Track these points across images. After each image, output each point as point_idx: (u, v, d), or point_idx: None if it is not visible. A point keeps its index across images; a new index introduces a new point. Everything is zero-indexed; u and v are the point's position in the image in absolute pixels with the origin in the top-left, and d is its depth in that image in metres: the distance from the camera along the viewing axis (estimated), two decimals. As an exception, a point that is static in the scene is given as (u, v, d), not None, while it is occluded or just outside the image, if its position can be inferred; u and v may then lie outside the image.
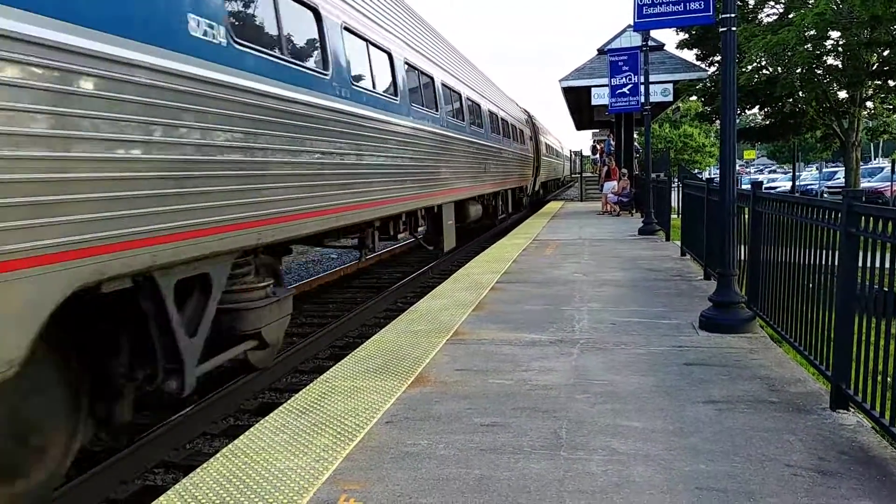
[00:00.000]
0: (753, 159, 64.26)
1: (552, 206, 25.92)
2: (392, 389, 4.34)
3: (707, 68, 23.59)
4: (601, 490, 2.89)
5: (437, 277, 12.30)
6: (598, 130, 43.44)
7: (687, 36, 24.71)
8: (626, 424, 3.64)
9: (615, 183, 20.55)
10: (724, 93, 5.60)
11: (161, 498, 2.93)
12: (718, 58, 23.30)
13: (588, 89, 20.92)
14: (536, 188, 28.29)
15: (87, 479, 4.19)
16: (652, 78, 15.19)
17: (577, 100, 24.23)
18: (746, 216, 6.25)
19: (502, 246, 12.55)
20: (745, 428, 3.57)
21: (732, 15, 5.48)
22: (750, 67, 20.50)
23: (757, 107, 24.87)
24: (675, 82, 20.20)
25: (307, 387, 4.50)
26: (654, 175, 15.13)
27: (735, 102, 5.66)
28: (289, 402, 4.18)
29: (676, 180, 14.31)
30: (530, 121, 27.02)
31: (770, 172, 60.88)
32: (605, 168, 23.28)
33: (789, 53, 18.72)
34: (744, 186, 6.26)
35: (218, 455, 3.39)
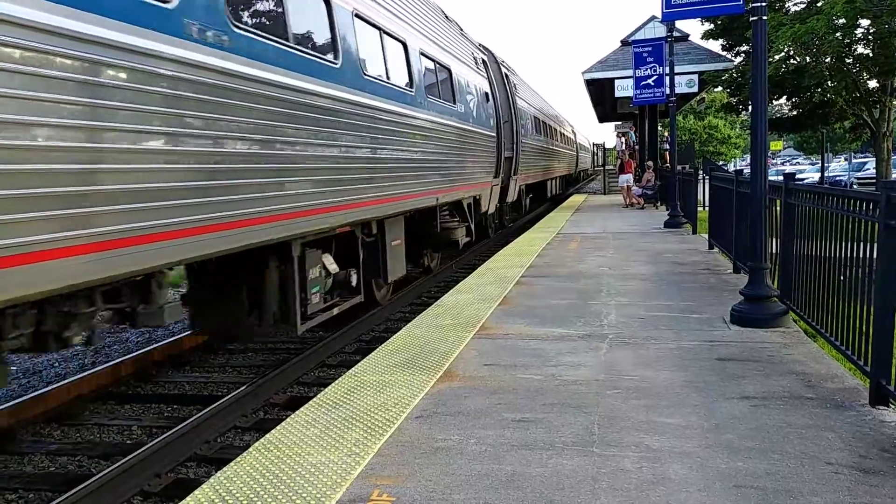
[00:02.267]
0: (780, 150, 63.36)
1: (575, 199, 25.78)
2: (421, 384, 4.33)
3: (733, 58, 23.24)
4: (636, 487, 2.86)
5: (460, 272, 12.27)
6: (620, 123, 43.07)
7: (712, 26, 24.31)
8: (659, 420, 3.59)
9: (630, 176, 20.37)
10: (755, 83, 5.50)
11: (196, 492, 2.95)
12: (745, 48, 23.00)
13: (611, 81, 20.71)
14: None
15: (122, 472, 4.23)
16: (677, 69, 14.99)
17: (599, 92, 24.02)
18: (778, 208, 6.15)
19: (526, 240, 12.49)
20: (782, 425, 3.51)
21: (763, 4, 5.38)
22: (777, 57, 20.14)
23: (784, 97, 24.44)
24: (700, 73, 19.93)
25: (336, 381, 4.50)
26: (679, 167, 14.96)
27: (766, 93, 5.57)
28: (319, 396, 4.19)
29: (702, 172, 14.15)
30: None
31: (796, 163, 60.04)
32: (620, 161, 23.12)
33: (818, 42, 18.36)
34: (772, 178, 6.16)
35: (250, 449, 3.41)
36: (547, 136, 22.43)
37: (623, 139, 27.84)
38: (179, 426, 4.94)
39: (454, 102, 9.98)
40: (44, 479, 4.57)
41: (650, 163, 19.80)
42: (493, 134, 12.50)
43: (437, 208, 9.36)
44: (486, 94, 12.47)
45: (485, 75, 12.85)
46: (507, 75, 15.61)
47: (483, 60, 13.26)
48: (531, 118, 18.92)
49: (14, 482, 4.51)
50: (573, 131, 37.77)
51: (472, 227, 11.40)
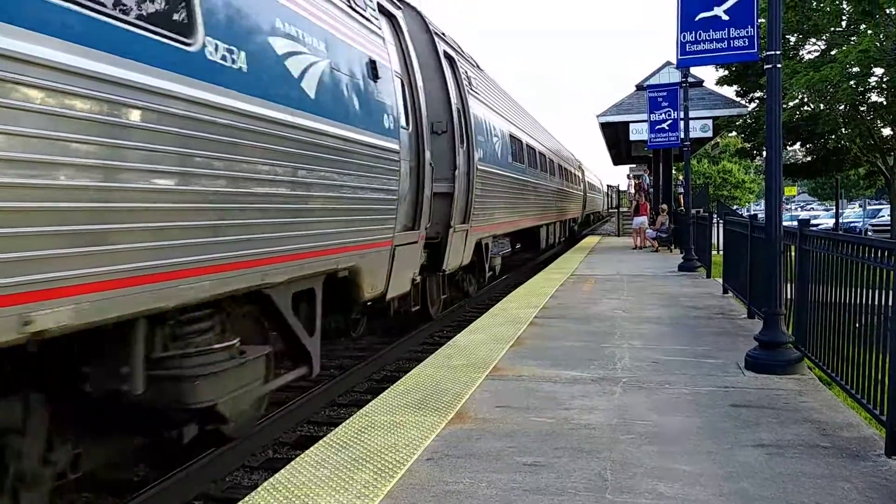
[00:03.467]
0: (794, 196, 63.26)
1: (589, 240, 25.79)
2: (432, 425, 4.30)
3: (747, 104, 23.41)
4: (649, 535, 2.81)
5: (473, 312, 12.25)
6: (634, 165, 43.23)
7: (727, 72, 24.59)
8: (673, 467, 3.55)
9: (645, 218, 20.39)
10: (770, 129, 5.54)
11: (204, 531, 2.93)
12: (759, 94, 23.16)
13: (626, 125, 20.91)
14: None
15: (129, 510, 4.21)
16: (691, 114, 15.13)
17: (614, 135, 24.22)
18: (793, 254, 6.13)
19: (539, 281, 12.49)
20: (798, 473, 3.45)
21: (778, 52, 5.44)
22: (792, 104, 20.29)
23: (798, 143, 24.56)
24: (714, 118, 20.08)
25: (347, 421, 4.49)
26: (693, 210, 14.97)
27: (781, 139, 5.60)
28: (329, 436, 4.17)
29: (716, 216, 14.14)
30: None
31: (810, 209, 59.87)
32: (635, 203, 23.15)
33: (832, 90, 18.50)
34: (786, 223, 6.16)
35: (259, 489, 3.39)
36: (537, 167, 16.98)
37: (635, 181, 27.75)
38: (188, 464, 4.92)
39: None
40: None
41: (664, 206, 19.83)
42: (395, 146, 6.71)
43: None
44: (375, 67, 6.33)
45: (380, 35, 6.84)
46: (447, 55, 9.69)
47: (383, 10, 7.29)
48: (504, 136, 12.83)
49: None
50: (581, 167, 31.95)
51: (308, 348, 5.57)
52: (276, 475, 3.56)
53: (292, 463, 3.73)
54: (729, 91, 24.72)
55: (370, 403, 4.89)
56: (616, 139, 25.39)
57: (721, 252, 12.07)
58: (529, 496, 3.23)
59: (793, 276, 6.10)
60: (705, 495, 3.20)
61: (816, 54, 21.82)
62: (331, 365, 8.42)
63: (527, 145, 15.65)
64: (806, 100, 20.57)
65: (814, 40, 22.21)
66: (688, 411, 4.50)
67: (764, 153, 26.96)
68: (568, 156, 27.54)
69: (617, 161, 38.01)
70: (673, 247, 18.93)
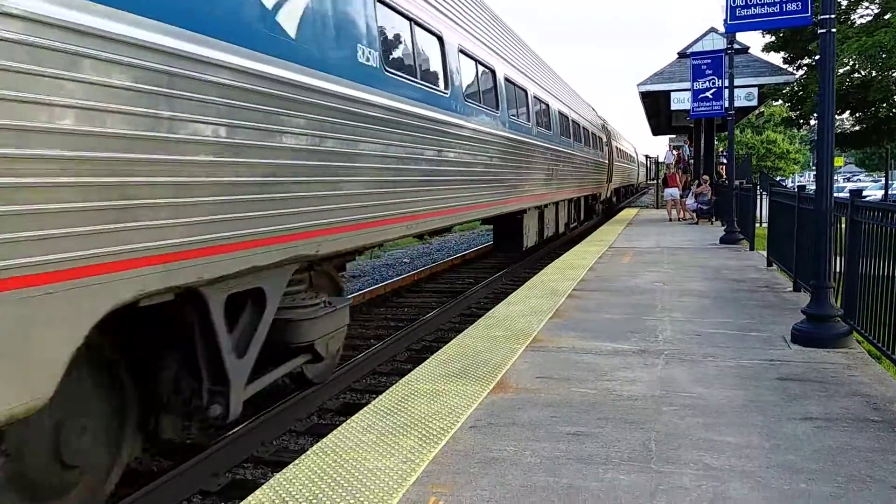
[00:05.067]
0: (840, 167, 61.45)
1: (626, 213, 25.47)
2: (474, 394, 4.34)
3: (794, 72, 22.71)
4: (696, 505, 2.82)
5: (510, 284, 12.25)
6: (674, 136, 42.37)
7: (773, 38, 23.86)
8: (718, 439, 3.53)
9: (675, 189, 20.03)
10: (822, 96, 5.38)
11: (257, 492, 3.02)
12: (807, 61, 22.46)
13: (667, 94, 20.43)
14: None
15: (182, 473, 4.35)
16: (736, 82, 14.71)
17: (654, 104, 23.72)
18: (843, 226, 5.99)
19: (577, 253, 12.40)
20: (847, 447, 3.41)
21: (832, 15, 5.27)
22: (842, 71, 19.63)
23: (848, 112, 23.78)
24: (760, 86, 19.52)
25: (390, 389, 4.55)
26: (736, 182, 14.66)
27: (833, 106, 5.43)
28: (374, 403, 4.24)
29: (759, 188, 13.84)
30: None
31: (857, 180, 58.13)
32: (664, 175, 22.73)
33: (885, 56, 17.83)
34: (837, 195, 5.99)
35: (308, 452, 3.47)
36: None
37: (675, 152, 26.47)
38: (237, 428, 5.05)
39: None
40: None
41: (706, 177, 19.45)
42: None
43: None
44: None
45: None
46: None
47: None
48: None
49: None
50: (605, 128, 25.57)
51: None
52: (325, 439, 3.64)
53: (339, 428, 3.81)
54: (775, 58, 24.02)
55: (412, 372, 4.94)
56: (656, 109, 24.85)
57: (764, 224, 11.84)
58: (574, 465, 3.25)
59: (842, 248, 5.96)
60: (752, 467, 3.18)
61: (869, 19, 21.03)
62: (369, 335, 8.53)
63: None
64: (857, 66, 19.86)
65: (867, 4, 21.40)
66: (732, 384, 4.46)
67: (810, 122, 26.23)
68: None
69: (656, 131, 37.29)
70: (714, 219, 18.60)
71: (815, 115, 22.90)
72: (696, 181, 20.11)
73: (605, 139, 24.04)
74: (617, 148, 29.27)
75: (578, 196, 18.30)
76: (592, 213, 21.97)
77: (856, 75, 20.34)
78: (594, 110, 24.21)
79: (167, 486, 4.21)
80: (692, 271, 9.62)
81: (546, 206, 13.83)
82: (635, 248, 12.74)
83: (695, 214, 18.84)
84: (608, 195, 25.41)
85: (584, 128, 18.80)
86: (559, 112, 15.01)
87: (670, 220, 19.68)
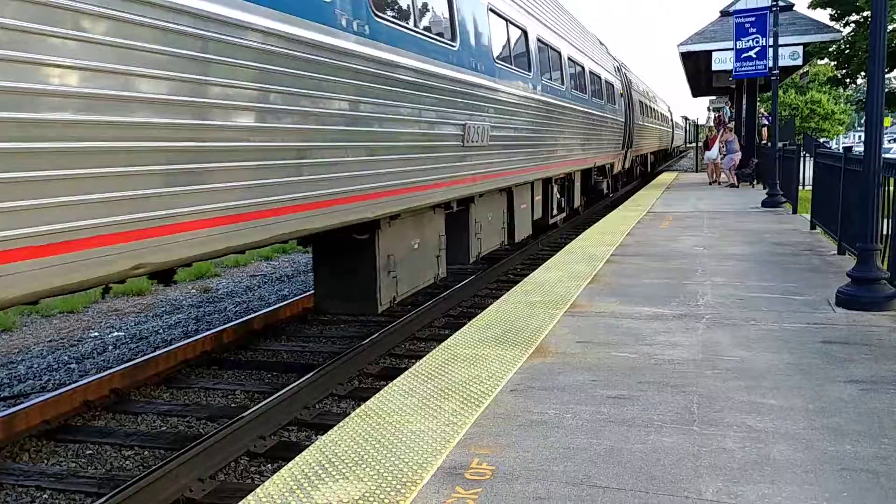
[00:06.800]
0: (888, 127, 59.41)
1: (664, 177, 25.08)
2: (514, 359, 4.37)
3: (841, 29, 21.88)
4: (740, 467, 2.81)
5: (546, 250, 12.21)
6: (714, 98, 41.31)
7: (820, -6, 22.97)
8: (761, 402, 3.51)
9: (715, 151, 19.57)
10: (873, 52, 5.19)
11: (304, 453, 3.10)
12: (854, 17, 21.61)
13: (708, 54, 19.88)
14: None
15: (229, 434, 4.48)
16: (781, 40, 14.26)
17: (695, 65, 23.13)
18: (891, 187, 5.83)
19: (613, 218, 12.28)
20: (893, 409, 3.36)
21: (884, -32, 5.05)
22: (892, 27, 18.85)
23: (896, 70, 22.89)
24: (805, 45, 18.89)
25: (430, 353, 4.60)
26: (780, 144, 14.31)
27: (884, 63, 5.24)
28: (414, 367, 4.30)
29: (803, 150, 13.49)
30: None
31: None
32: (706, 137, 22.22)
33: (938, 10, 17.06)
34: (886, 156, 5.82)
35: (352, 415, 3.55)
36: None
37: (716, 114, 25.39)
38: (280, 392, 5.18)
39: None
40: (156, 437, 4.90)
41: (730, 125, 18.94)
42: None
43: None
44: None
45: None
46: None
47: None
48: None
49: (130, 440, 4.85)
50: (621, 69, 19.66)
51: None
52: (367, 402, 3.71)
53: (381, 391, 3.87)
54: (821, 15, 23.18)
55: (451, 337, 4.99)
56: (697, 70, 24.25)
57: (807, 187, 11.56)
58: (616, 427, 3.27)
59: (889, 210, 5.81)
60: (796, 429, 3.16)
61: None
62: (407, 301, 8.60)
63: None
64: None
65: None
66: (775, 347, 4.41)
67: (857, 81, 25.31)
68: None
69: (696, 93, 36.41)
70: (755, 182, 18.22)
71: (862, 73, 22.16)
72: (720, 129, 19.60)
73: (620, 88, 17.72)
74: (641, 103, 23.23)
75: (561, 173, 11.72)
76: (597, 193, 15.98)
77: (906, 31, 19.52)
78: (603, 46, 17.88)
79: (215, 448, 4.34)
80: (733, 235, 9.47)
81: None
82: (674, 213, 12.57)
83: (734, 176, 18.44)
84: (623, 167, 19.01)
85: (568, 58, 11.82)
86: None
87: (710, 183, 19.32)
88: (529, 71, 9.33)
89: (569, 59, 11.96)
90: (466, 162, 6.87)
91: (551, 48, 10.77)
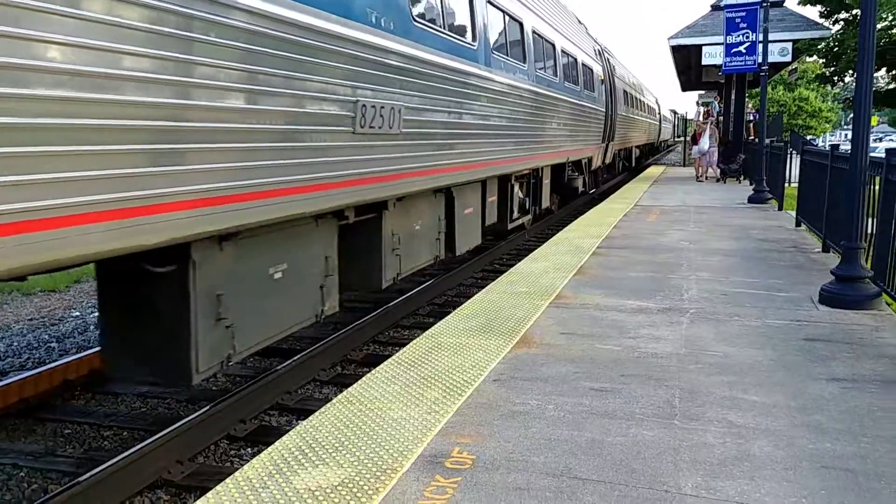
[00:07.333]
0: (874, 126, 59.88)
1: (652, 170, 25.15)
2: (497, 349, 4.36)
3: (831, 27, 21.96)
4: (720, 462, 2.82)
5: (533, 241, 12.21)
6: (704, 92, 41.33)
7: (810, -9, 23.03)
8: (742, 397, 3.52)
9: (704, 145, 19.62)
10: (862, 50, 5.20)
11: (284, 438, 3.08)
12: (843, 15, 21.70)
13: (699, 48, 19.85)
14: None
15: (209, 417, 4.45)
16: (771, 36, 14.28)
17: (685, 59, 23.11)
18: (877, 186, 5.85)
19: (601, 211, 12.30)
20: (873, 408, 3.38)
21: (877, -34, 5.05)
22: (880, 26, 18.96)
23: (884, 69, 23.06)
24: (795, 41, 18.92)
25: (414, 341, 4.58)
26: (767, 140, 14.36)
27: (873, 61, 5.25)
28: (397, 355, 4.28)
29: (790, 147, 13.56)
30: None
31: (889, 140, 56.65)
32: (694, 132, 22.26)
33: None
34: (871, 155, 5.85)
35: (334, 401, 3.52)
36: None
37: (704, 108, 25.44)
38: (262, 376, 5.14)
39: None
40: (136, 418, 4.85)
41: (710, 121, 19.01)
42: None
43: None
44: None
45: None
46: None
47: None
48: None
49: (109, 420, 4.80)
50: (602, 52, 17.81)
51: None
52: (350, 389, 3.68)
53: (364, 378, 3.85)
54: (811, 12, 23.22)
55: (436, 325, 4.97)
56: (687, 64, 24.23)
57: (794, 184, 11.62)
58: (598, 419, 3.27)
59: (874, 209, 5.84)
60: (777, 426, 3.18)
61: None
62: (392, 288, 8.56)
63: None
64: (895, 22, 19.18)
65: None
66: (758, 344, 4.43)
67: (845, 79, 25.45)
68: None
69: (686, 87, 36.44)
70: (742, 178, 18.29)
71: (850, 71, 22.26)
72: (707, 121, 19.64)
73: (601, 74, 16.14)
74: (626, 92, 21.82)
75: (523, 169, 9.90)
76: (572, 192, 14.25)
77: (894, 31, 19.65)
78: (582, 25, 16.01)
79: (194, 430, 4.31)
80: (719, 230, 9.51)
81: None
82: (661, 207, 12.60)
83: (719, 171, 18.50)
84: (604, 161, 17.41)
85: (532, 31, 9.70)
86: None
87: (698, 178, 19.39)
88: (465, 36, 6.90)
89: (533, 31, 9.65)
90: (367, 156, 4.92)
91: (498, 7, 8.07)
